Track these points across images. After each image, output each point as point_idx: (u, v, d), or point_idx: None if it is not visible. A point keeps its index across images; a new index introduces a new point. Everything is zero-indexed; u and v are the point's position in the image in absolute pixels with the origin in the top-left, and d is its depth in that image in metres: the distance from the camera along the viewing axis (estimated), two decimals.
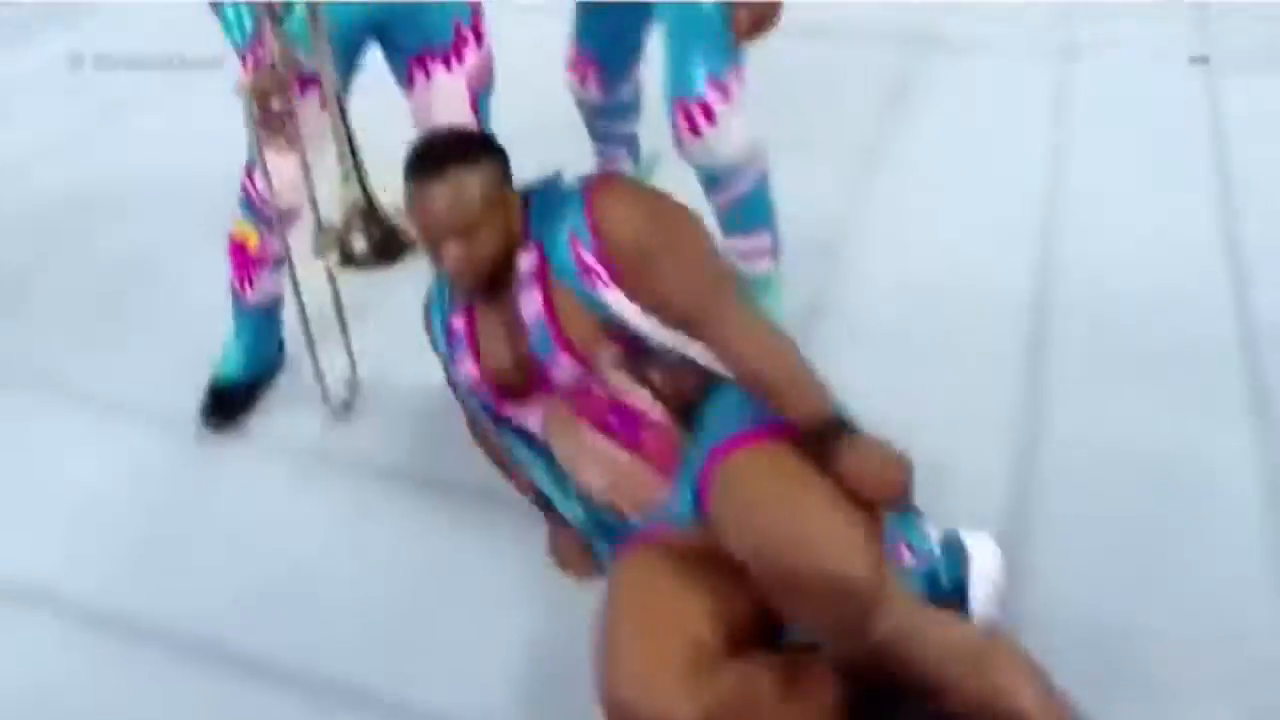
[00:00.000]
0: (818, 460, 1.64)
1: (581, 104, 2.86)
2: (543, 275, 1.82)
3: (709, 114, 2.33)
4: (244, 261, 2.44)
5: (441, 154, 1.83)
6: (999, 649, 1.65)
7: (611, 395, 1.80)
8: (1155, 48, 3.99)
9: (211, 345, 2.57)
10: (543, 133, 2.70)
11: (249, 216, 2.38)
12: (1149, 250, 2.92)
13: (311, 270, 2.30)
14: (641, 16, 2.52)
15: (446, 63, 2.26)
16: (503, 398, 1.92)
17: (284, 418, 2.54)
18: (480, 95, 2.32)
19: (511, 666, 1.96)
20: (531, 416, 1.90)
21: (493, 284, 1.87)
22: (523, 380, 1.86)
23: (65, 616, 2.09)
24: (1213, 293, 2.79)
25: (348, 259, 2.02)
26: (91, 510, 2.32)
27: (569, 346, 1.81)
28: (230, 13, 2.11)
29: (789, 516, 1.59)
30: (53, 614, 2.10)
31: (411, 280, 2.18)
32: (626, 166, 3.09)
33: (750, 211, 2.56)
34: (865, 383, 1.98)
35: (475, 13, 2.28)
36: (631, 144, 3.06)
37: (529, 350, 1.83)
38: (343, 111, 2.13)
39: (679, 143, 2.39)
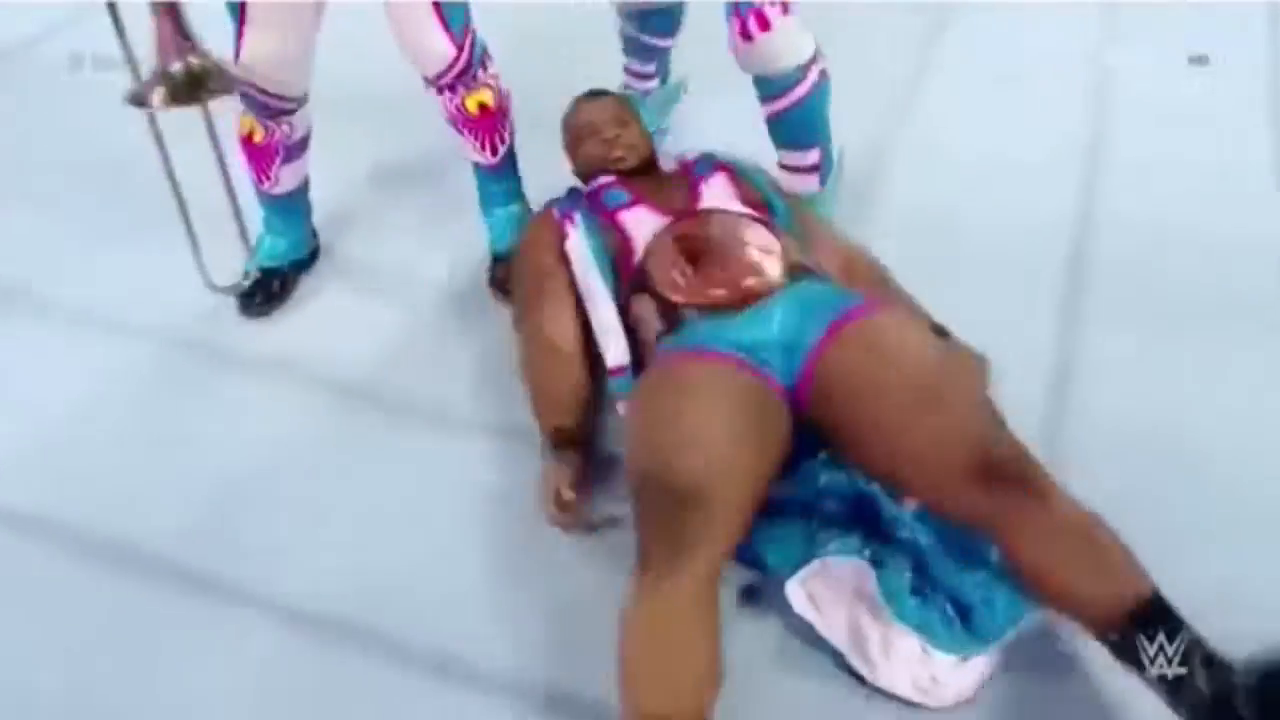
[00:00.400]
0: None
1: (620, 6, 2.78)
2: (721, 164, 2.28)
3: (763, 22, 2.31)
4: (253, 154, 2.43)
5: (594, 92, 2.49)
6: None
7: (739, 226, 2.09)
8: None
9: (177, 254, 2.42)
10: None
11: (247, 106, 2.34)
12: (1194, 198, 2.74)
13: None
14: None
15: None
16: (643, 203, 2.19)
17: (249, 330, 2.46)
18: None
19: (470, 602, 1.87)
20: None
21: (641, 173, 2.32)
22: (670, 199, 2.18)
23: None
24: (1262, 246, 2.58)
25: (173, 93, 1.94)
26: (41, 421, 2.23)
27: (726, 169, 2.25)
28: None
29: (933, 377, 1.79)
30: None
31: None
32: (653, 85, 2.99)
33: (801, 124, 2.51)
34: None
35: None
36: (662, 61, 2.96)
37: (689, 173, 2.24)
38: None
39: (734, 48, 2.37)
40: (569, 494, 1.93)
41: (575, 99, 2.46)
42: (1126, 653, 1.54)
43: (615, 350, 2.05)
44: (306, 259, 2.62)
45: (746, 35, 2.31)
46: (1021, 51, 3.39)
